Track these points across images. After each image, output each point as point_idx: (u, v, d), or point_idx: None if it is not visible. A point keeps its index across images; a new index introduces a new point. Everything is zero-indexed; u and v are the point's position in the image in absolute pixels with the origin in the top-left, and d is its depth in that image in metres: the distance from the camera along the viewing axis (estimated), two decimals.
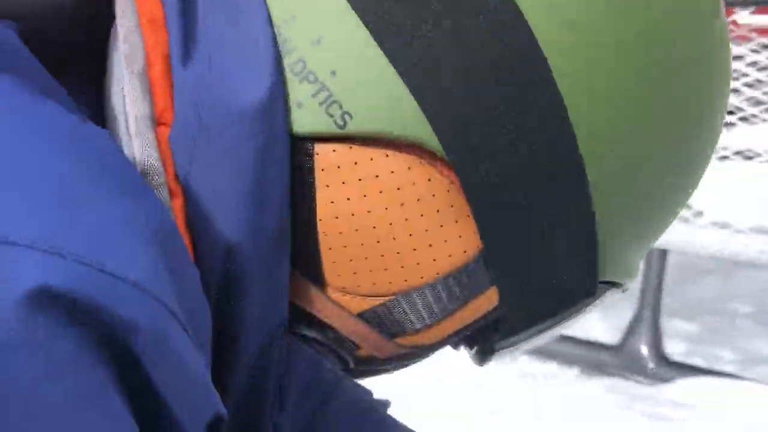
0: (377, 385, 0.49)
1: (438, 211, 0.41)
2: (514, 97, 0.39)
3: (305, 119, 0.39)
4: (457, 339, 0.47)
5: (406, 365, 0.56)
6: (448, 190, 0.41)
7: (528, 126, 0.39)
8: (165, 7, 0.40)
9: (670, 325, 2.56)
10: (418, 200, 0.41)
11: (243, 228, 0.38)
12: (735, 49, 1.81)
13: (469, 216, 0.41)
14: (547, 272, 0.43)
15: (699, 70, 0.44)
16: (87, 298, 0.28)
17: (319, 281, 0.43)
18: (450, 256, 0.42)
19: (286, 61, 0.39)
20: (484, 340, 0.51)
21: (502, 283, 0.43)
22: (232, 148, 0.38)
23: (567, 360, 2.41)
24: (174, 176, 0.38)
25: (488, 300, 0.44)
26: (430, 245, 0.42)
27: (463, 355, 0.52)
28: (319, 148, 0.40)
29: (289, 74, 0.39)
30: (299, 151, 0.40)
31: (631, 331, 2.44)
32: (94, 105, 0.41)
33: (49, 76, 0.37)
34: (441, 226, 0.42)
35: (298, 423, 0.43)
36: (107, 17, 0.41)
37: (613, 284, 0.48)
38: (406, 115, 0.39)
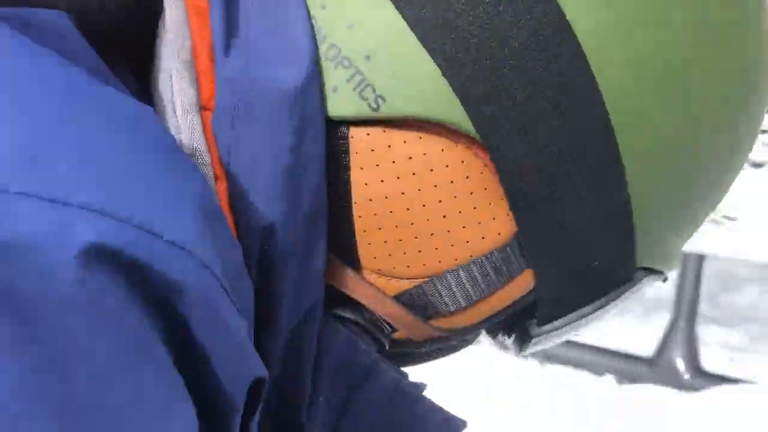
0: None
1: (471, 193, 0.42)
2: (546, 79, 0.39)
3: (340, 103, 0.40)
4: (493, 323, 0.47)
5: (444, 354, 0.56)
6: (482, 173, 0.41)
7: (562, 108, 0.40)
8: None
9: (707, 334, 2.53)
10: (451, 182, 0.41)
11: (279, 208, 0.39)
12: None
13: (503, 199, 0.42)
14: (583, 256, 0.43)
15: (745, 57, 0.44)
16: (137, 257, 0.29)
17: (355, 263, 0.43)
18: (484, 238, 0.43)
19: (322, 48, 0.40)
20: (522, 326, 0.51)
21: (537, 267, 0.43)
22: (269, 131, 0.39)
23: (601, 371, 2.39)
24: (218, 160, 0.39)
25: (524, 284, 0.45)
26: (464, 227, 0.42)
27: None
28: (354, 132, 0.41)
29: (324, 60, 0.40)
30: (335, 134, 0.41)
31: (666, 341, 2.41)
32: (136, 91, 0.42)
33: (101, 63, 0.38)
34: (474, 208, 0.42)
35: (333, 404, 0.44)
36: (154, 8, 0.42)
37: (653, 272, 0.47)
38: (438, 98, 0.39)
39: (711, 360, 2.40)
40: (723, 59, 0.42)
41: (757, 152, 1.95)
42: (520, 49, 0.39)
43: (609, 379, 2.38)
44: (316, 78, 0.40)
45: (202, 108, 0.39)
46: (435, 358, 0.56)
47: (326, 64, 0.40)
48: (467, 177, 0.41)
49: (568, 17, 0.39)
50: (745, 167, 0.49)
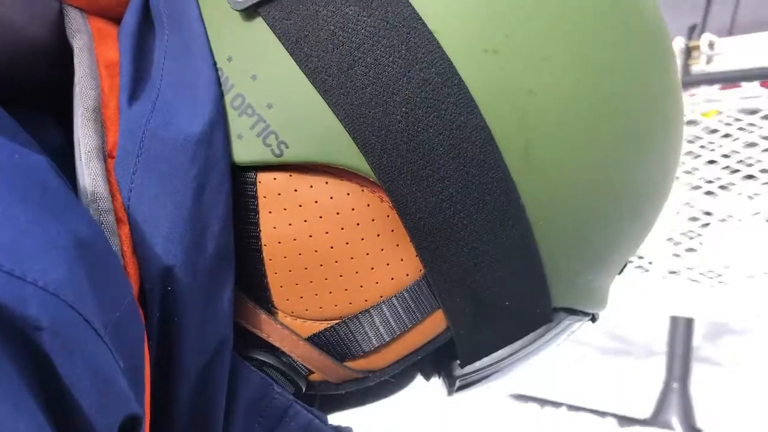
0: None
1: (378, 235, 0.42)
2: (440, 126, 0.40)
3: (245, 149, 0.41)
4: (411, 362, 0.46)
5: (370, 399, 0.56)
6: (388, 216, 0.42)
7: (458, 156, 0.40)
8: (120, 54, 0.42)
9: (702, 392, 2.48)
10: (357, 224, 0.42)
11: (181, 249, 0.39)
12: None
13: (410, 240, 0.42)
14: (491, 296, 0.43)
15: (644, 93, 0.43)
16: None
17: (268, 306, 0.43)
18: (393, 279, 0.43)
19: (228, 98, 0.41)
20: (448, 367, 0.50)
21: (447, 306, 0.43)
22: (171, 177, 0.39)
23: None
24: (121, 204, 0.39)
25: (436, 323, 0.44)
26: (372, 268, 0.42)
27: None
28: (261, 177, 0.42)
29: (230, 109, 0.41)
30: (243, 179, 0.42)
31: (661, 403, 2.37)
32: (61, 141, 0.42)
33: (3, 113, 0.39)
34: (382, 249, 0.42)
35: None
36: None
37: (576, 312, 0.47)
38: (338, 144, 0.40)
39: (707, 419, 2.35)
40: (619, 88, 0.42)
41: None
42: (411, 98, 0.39)
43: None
44: (219, 125, 0.40)
45: (108, 155, 0.40)
46: (374, 398, 0.56)
47: (231, 113, 0.41)
48: (373, 220, 0.42)
49: (455, 66, 0.39)
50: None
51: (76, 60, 0.41)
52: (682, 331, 2.39)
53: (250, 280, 0.43)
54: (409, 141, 0.40)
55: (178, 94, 0.41)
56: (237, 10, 0.41)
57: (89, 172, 0.39)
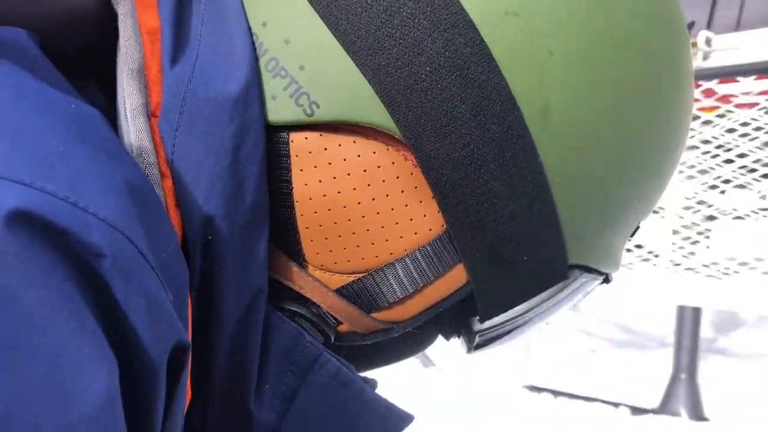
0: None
1: (403, 191, 0.44)
2: (461, 85, 0.41)
3: (279, 109, 0.43)
4: (433, 315, 0.48)
5: (400, 355, 0.57)
6: (412, 173, 0.43)
7: (478, 112, 0.41)
8: (161, 20, 0.44)
9: (711, 382, 2.48)
10: (383, 181, 0.43)
11: (220, 202, 0.41)
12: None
13: (432, 197, 0.43)
14: (511, 251, 0.44)
15: (658, 56, 0.45)
16: (59, 223, 0.31)
17: (300, 259, 0.45)
18: (416, 233, 0.44)
19: (262, 61, 0.43)
20: (467, 324, 0.52)
21: (468, 261, 0.45)
22: (211, 134, 0.41)
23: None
24: (165, 159, 0.41)
25: (457, 277, 0.46)
26: (397, 223, 0.44)
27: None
28: (293, 136, 0.43)
29: (264, 72, 0.43)
30: (277, 139, 0.43)
31: (668, 394, 2.37)
32: (103, 104, 0.44)
33: (57, 74, 0.41)
34: (406, 205, 0.44)
35: (280, 391, 0.45)
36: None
37: (591, 270, 0.48)
38: (366, 103, 0.42)
39: (714, 409, 2.35)
40: (635, 52, 0.44)
41: None
42: (436, 57, 0.41)
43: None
44: (255, 87, 0.42)
45: (151, 113, 0.42)
46: (398, 357, 0.57)
47: (266, 75, 0.43)
48: (398, 177, 0.43)
49: (478, 27, 0.41)
50: None
51: (120, 25, 0.43)
52: (689, 323, 2.39)
53: (283, 234, 0.44)
54: (432, 99, 0.41)
55: (216, 57, 0.42)
56: None
57: (135, 128, 0.41)
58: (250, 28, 0.44)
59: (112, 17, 0.44)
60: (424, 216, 0.44)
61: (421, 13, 0.41)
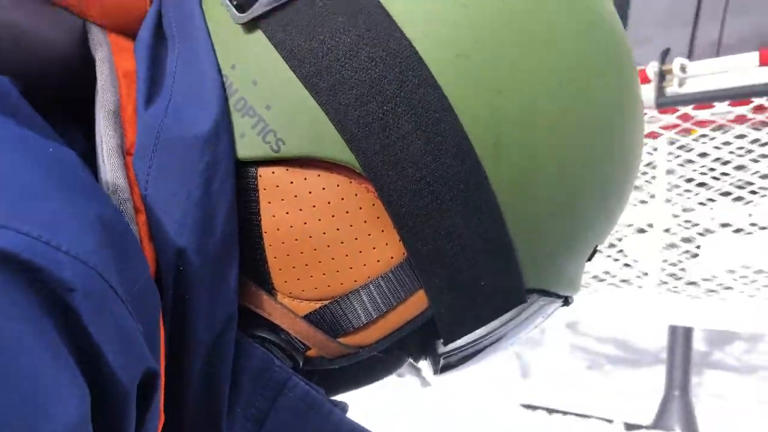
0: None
1: (365, 221, 0.46)
2: (417, 122, 0.43)
3: (247, 146, 0.45)
4: (397, 339, 0.49)
5: (363, 381, 0.59)
6: (374, 204, 0.45)
7: (432, 146, 0.43)
8: (137, 63, 0.46)
9: (705, 397, 2.48)
10: (347, 212, 0.45)
11: (192, 234, 0.43)
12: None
13: (393, 226, 0.45)
14: (468, 277, 0.46)
15: (606, 90, 0.47)
16: (33, 261, 0.33)
17: (269, 287, 0.47)
18: (379, 261, 0.46)
19: (232, 101, 0.45)
20: (431, 347, 0.53)
21: (427, 286, 0.47)
22: (183, 168, 0.43)
23: None
24: (139, 195, 0.43)
25: (419, 302, 0.48)
26: (361, 252, 0.46)
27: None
28: (261, 171, 0.46)
29: (233, 111, 0.45)
30: (246, 173, 0.46)
31: (662, 410, 2.38)
32: (83, 147, 0.46)
33: (38, 117, 0.43)
34: (369, 234, 0.46)
35: (250, 414, 0.47)
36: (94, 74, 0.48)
37: (552, 294, 0.50)
38: (328, 140, 0.44)
39: (708, 425, 2.36)
40: (581, 86, 0.46)
41: None
42: (392, 97, 0.43)
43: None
44: (224, 125, 0.44)
45: (126, 152, 0.44)
46: (360, 383, 0.59)
47: (235, 114, 0.45)
48: (360, 208, 0.45)
49: (430, 69, 0.43)
50: None
51: (98, 69, 0.46)
52: (681, 341, 2.40)
53: (252, 264, 0.46)
54: (389, 135, 0.43)
55: (188, 97, 0.45)
56: (239, 24, 0.45)
57: (110, 167, 0.43)
58: (220, 69, 0.46)
59: (91, 61, 0.47)
60: (386, 244, 0.46)
61: (377, 57, 0.43)
